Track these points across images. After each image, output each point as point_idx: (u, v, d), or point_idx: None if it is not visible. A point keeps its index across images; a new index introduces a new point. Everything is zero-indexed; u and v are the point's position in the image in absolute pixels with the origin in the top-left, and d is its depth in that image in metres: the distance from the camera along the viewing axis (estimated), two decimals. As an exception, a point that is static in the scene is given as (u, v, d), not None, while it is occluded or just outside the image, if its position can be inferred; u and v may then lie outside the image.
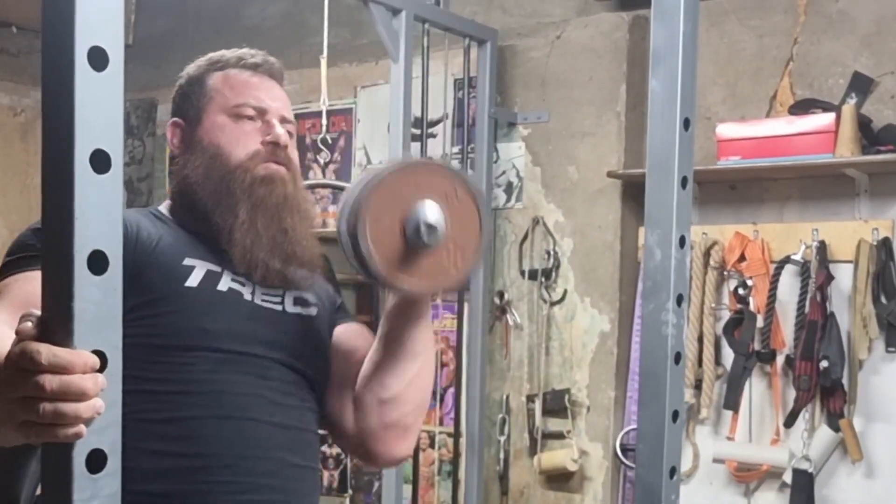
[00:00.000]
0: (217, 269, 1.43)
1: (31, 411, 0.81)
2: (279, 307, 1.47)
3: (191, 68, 1.58)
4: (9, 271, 1.33)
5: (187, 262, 1.41)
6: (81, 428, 0.79)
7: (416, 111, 3.23)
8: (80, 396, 0.79)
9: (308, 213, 1.53)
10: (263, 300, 1.45)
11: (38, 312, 0.81)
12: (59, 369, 0.79)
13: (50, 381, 0.79)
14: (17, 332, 0.83)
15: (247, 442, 1.37)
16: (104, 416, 0.79)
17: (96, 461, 0.78)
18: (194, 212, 1.47)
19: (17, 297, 1.26)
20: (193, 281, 1.39)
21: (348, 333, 1.57)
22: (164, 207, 1.55)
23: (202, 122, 1.49)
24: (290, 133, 1.51)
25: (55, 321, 0.78)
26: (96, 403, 0.80)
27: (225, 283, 1.42)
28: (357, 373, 1.50)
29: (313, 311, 1.51)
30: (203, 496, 1.33)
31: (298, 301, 1.50)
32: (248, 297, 1.44)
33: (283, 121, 1.51)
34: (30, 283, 1.27)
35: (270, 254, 1.44)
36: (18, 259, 1.34)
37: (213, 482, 1.34)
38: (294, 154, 1.52)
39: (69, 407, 0.79)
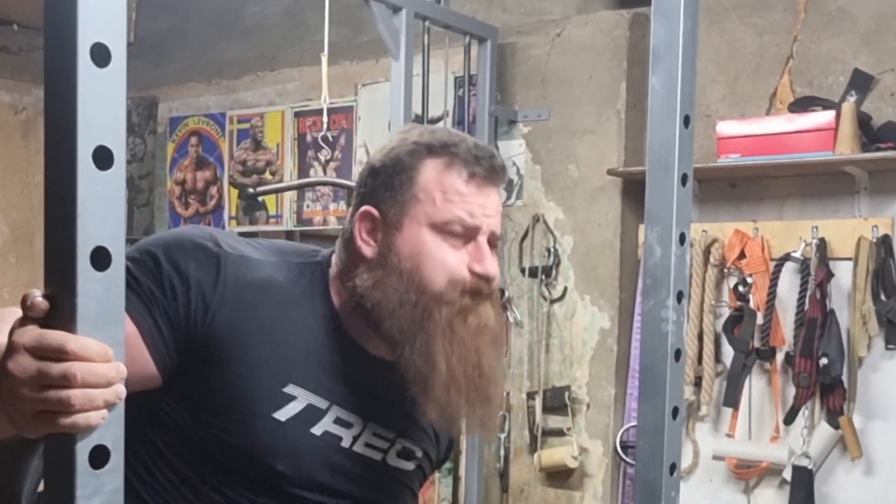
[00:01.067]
0: (322, 405, 1.26)
1: (52, 401, 0.80)
2: (379, 456, 1.33)
3: (401, 149, 1.29)
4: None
5: (289, 389, 1.23)
6: (105, 412, 0.79)
7: (417, 109, 3.23)
8: (107, 384, 0.79)
9: (502, 347, 1.36)
10: (367, 445, 1.31)
11: (39, 291, 0.80)
12: (86, 358, 0.78)
13: (81, 369, 0.78)
14: (25, 309, 0.81)
15: None
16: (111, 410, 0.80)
17: (99, 457, 0.78)
18: (368, 328, 1.28)
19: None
20: (284, 415, 1.23)
21: None
22: (332, 271, 1.32)
23: (402, 228, 1.25)
24: (494, 251, 1.30)
25: (58, 316, 0.78)
26: (119, 389, 0.80)
27: (323, 425, 1.26)
28: None
29: (412, 465, 1.37)
30: None
31: (403, 453, 1.36)
32: (346, 442, 1.29)
33: (492, 238, 1.28)
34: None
35: (467, 399, 1.26)
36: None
37: None
38: (497, 278, 1.30)
39: (98, 393, 0.79)
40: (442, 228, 1.24)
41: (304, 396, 1.24)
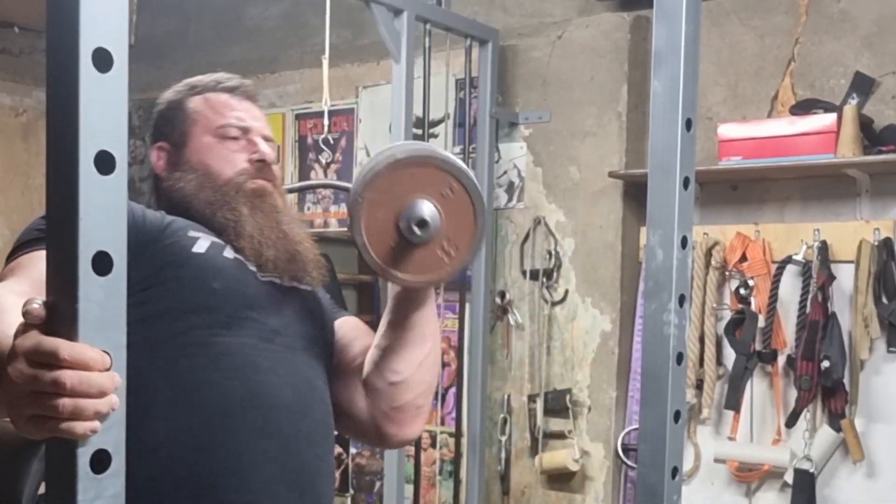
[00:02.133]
0: (221, 241, 1.47)
1: (44, 406, 0.81)
2: (278, 280, 1.50)
3: (168, 94, 1.62)
4: (23, 250, 1.34)
5: (192, 233, 1.44)
6: (97, 424, 0.79)
7: (418, 111, 3.23)
8: (100, 394, 0.79)
9: (301, 221, 1.58)
10: (263, 275, 1.48)
11: (42, 298, 0.81)
12: (80, 365, 0.79)
13: (71, 377, 0.79)
14: (24, 315, 0.82)
15: (253, 397, 1.37)
16: (108, 416, 0.80)
17: (101, 461, 0.78)
18: (191, 217, 1.49)
19: (33, 271, 1.26)
20: (200, 248, 1.42)
21: (347, 325, 1.62)
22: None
23: (188, 143, 1.54)
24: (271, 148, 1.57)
25: (60, 321, 0.78)
26: (112, 400, 0.80)
27: (229, 253, 1.45)
28: (360, 361, 1.53)
29: (308, 286, 1.54)
30: (213, 452, 1.33)
31: (294, 278, 1.53)
32: (252, 267, 1.47)
33: (265, 139, 1.56)
34: (43, 262, 1.28)
35: (275, 253, 1.47)
36: (32, 240, 1.35)
37: (222, 438, 1.34)
38: (277, 171, 1.58)
39: (88, 403, 0.79)
40: (219, 133, 1.53)
41: (206, 236, 1.45)
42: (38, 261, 1.29)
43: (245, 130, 1.55)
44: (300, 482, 1.40)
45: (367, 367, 1.51)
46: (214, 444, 1.33)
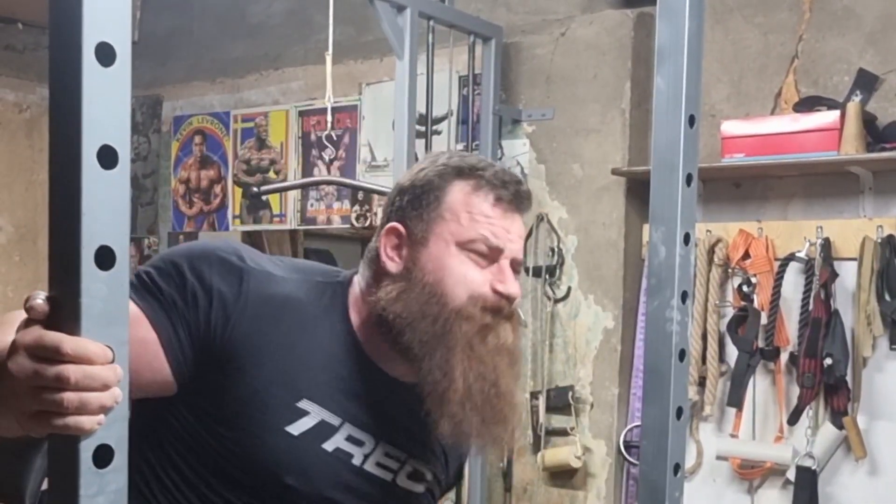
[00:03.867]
0: (335, 421, 1.27)
1: (48, 401, 0.80)
2: (389, 477, 1.33)
3: (431, 170, 1.32)
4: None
5: (303, 404, 1.24)
6: (102, 417, 0.79)
7: (421, 108, 3.23)
8: (103, 387, 0.79)
9: (519, 369, 1.36)
10: (378, 465, 1.31)
11: (45, 293, 0.80)
12: (83, 360, 0.78)
13: (74, 371, 0.78)
14: (27, 310, 0.81)
15: None
16: (110, 411, 0.80)
17: (103, 456, 0.78)
18: (386, 343, 1.29)
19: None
20: (297, 429, 1.24)
21: None
22: (352, 295, 1.34)
23: (427, 243, 1.28)
24: (516, 270, 1.32)
25: (63, 316, 0.78)
26: (116, 393, 0.80)
27: (335, 442, 1.27)
28: None
29: (421, 488, 1.37)
30: None
31: (414, 475, 1.36)
32: (357, 460, 1.29)
33: (514, 263, 1.31)
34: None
35: (482, 417, 1.27)
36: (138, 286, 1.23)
37: None
38: (516, 317, 1.34)
39: (93, 396, 0.79)
40: (466, 247, 1.27)
41: (317, 412, 1.25)
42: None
43: (496, 251, 1.28)
44: None
45: None
46: None
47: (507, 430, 1.31)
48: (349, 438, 1.28)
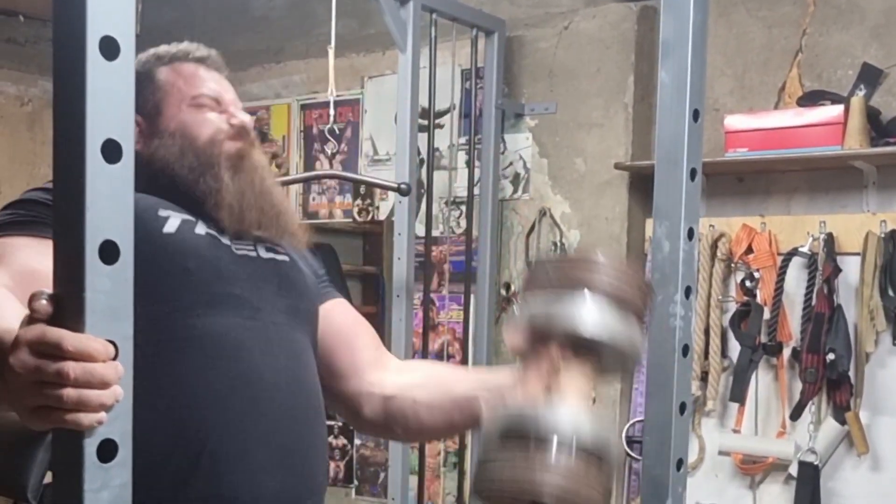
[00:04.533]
0: (192, 218, 1.43)
1: (48, 397, 0.80)
2: (253, 253, 1.48)
3: (136, 68, 1.58)
4: (4, 231, 1.32)
5: (161, 212, 1.40)
6: (103, 415, 0.79)
7: (424, 102, 3.23)
8: (103, 385, 0.79)
9: (281, 190, 1.56)
10: (237, 247, 1.47)
11: (48, 291, 0.80)
12: (84, 357, 0.78)
13: (74, 368, 0.79)
14: (31, 310, 0.82)
15: (239, 377, 1.36)
16: (115, 406, 0.80)
17: (107, 451, 0.78)
18: (173, 186, 1.46)
19: (13, 262, 1.26)
20: (171, 227, 1.39)
21: (344, 317, 1.59)
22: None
23: (162, 113, 1.50)
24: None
25: (67, 311, 0.78)
26: (117, 391, 0.80)
27: (201, 229, 1.43)
28: (364, 359, 1.54)
29: (284, 257, 1.53)
30: (204, 436, 1.32)
31: (270, 250, 1.52)
32: (226, 241, 1.45)
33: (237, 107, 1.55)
34: (24, 251, 1.28)
35: (258, 216, 1.47)
36: (12, 223, 1.33)
37: (212, 421, 1.33)
38: (258, 144, 1.56)
39: (93, 394, 0.79)
40: (194, 103, 1.49)
41: (176, 214, 1.41)
42: (17, 249, 1.28)
43: (218, 101, 1.53)
44: (293, 459, 1.39)
45: (411, 405, 1.48)
46: (205, 428, 1.32)
47: (287, 227, 1.50)
48: (210, 227, 1.44)
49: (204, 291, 1.38)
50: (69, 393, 0.79)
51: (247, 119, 1.53)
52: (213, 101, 1.52)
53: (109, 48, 0.75)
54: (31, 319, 0.82)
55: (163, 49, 1.56)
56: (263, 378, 1.37)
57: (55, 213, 0.78)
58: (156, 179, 1.45)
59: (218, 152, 1.47)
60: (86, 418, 0.78)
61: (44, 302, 0.80)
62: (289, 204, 1.54)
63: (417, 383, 1.51)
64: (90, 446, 0.78)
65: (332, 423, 3.88)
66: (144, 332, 1.32)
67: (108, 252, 0.76)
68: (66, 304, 0.78)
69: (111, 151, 0.76)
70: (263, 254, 1.49)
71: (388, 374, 1.55)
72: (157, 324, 1.33)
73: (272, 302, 1.44)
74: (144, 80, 1.50)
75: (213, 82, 1.54)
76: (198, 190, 1.45)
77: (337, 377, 1.54)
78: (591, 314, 1.05)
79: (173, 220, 1.40)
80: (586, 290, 1.06)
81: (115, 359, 0.79)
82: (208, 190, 1.45)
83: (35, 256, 1.24)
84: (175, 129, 1.48)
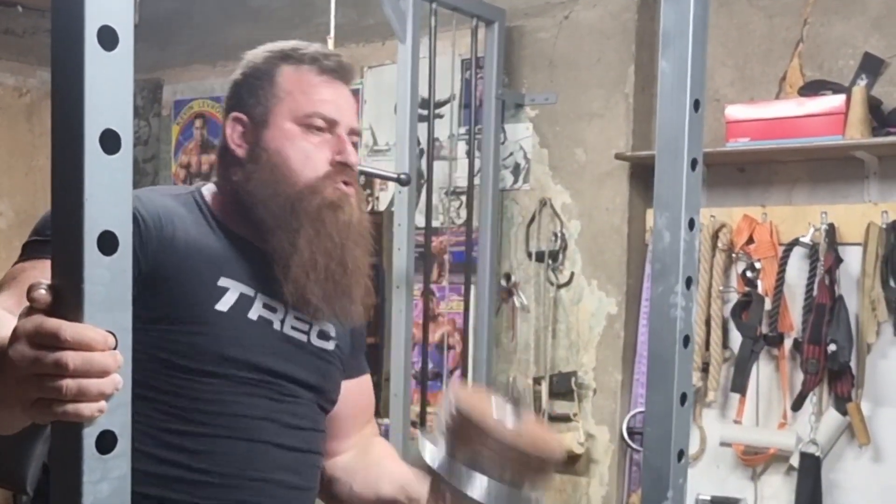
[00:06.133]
0: (250, 292, 1.39)
1: (48, 388, 0.80)
2: (304, 338, 1.46)
3: (257, 56, 1.48)
4: (23, 256, 1.32)
5: (222, 282, 1.36)
6: (103, 404, 0.78)
7: (423, 92, 3.22)
8: (102, 374, 0.78)
9: (369, 243, 1.48)
10: (293, 328, 1.44)
11: (47, 282, 0.79)
12: (82, 346, 0.78)
13: (73, 358, 0.78)
14: (30, 300, 0.81)
15: (254, 464, 1.37)
16: (114, 397, 0.79)
17: (106, 442, 0.78)
18: (247, 221, 1.42)
19: (20, 285, 1.23)
20: (224, 305, 1.35)
21: (357, 391, 1.61)
22: (207, 194, 1.48)
23: (269, 125, 1.41)
24: (355, 144, 1.46)
25: (65, 302, 0.77)
26: (116, 379, 0.79)
27: (256, 311, 1.39)
28: (342, 434, 1.58)
29: (331, 345, 1.51)
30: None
31: (322, 335, 1.49)
32: (277, 325, 1.42)
33: (352, 133, 1.45)
34: (42, 272, 1.25)
35: (323, 290, 1.41)
36: (35, 243, 1.32)
37: (213, 498, 1.35)
38: (358, 187, 1.48)
39: (93, 383, 0.78)
40: (304, 122, 1.40)
41: (235, 287, 1.37)
42: (26, 272, 1.27)
43: (333, 123, 1.42)
44: None
45: (347, 491, 1.54)
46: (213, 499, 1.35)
47: (350, 302, 1.43)
48: (266, 306, 1.40)
49: (238, 376, 1.36)
50: (69, 383, 0.78)
51: (353, 157, 1.43)
52: (326, 123, 1.42)
53: (108, 38, 0.75)
54: (30, 310, 0.82)
55: (290, 46, 1.46)
56: (277, 462, 1.39)
57: (54, 204, 0.77)
58: (235, 201, 1.42)
59: (307, 205, 1.39)
60: (87, 408, 0.78)
61: (42, 291, 0.80)
62: (364, 267, 1.46)
63: (359, 469, 1.56)
64: (89, 437, 0.77)
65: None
66: (174, 391, 1.32)
67: (107, 243, 0.76)
68: (65, 295, 0.77)
69: (110, 142, 0.75)
70: (315, 340, 1.47)
71: (349, 452, 1.59)
72: (186, 389, 1.34)
73: (304, 387, 1.44)
74: (263, 78, 1.44)
75: (333, 102, 1.43)
76: (270, 246, 1.40)
77: None
78: (476, 486, 1.14)
79: (230, 296, 1.36)
80: (475, 474, 1.14)
81: (114, 349, 0.79)
82: (280, 252, 1.39)
83: (41, 272, 1.24)
84: (274, 153, 1.40)
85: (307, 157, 1.40)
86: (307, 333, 1.45)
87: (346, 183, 1.42)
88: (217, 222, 1.43)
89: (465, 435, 1.15)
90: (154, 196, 1.41)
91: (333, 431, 1.56)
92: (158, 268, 1.32)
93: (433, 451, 1.18)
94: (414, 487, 1.44)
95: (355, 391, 1.60)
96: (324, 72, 1.43)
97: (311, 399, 1.46)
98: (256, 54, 1.47)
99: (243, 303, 1.37)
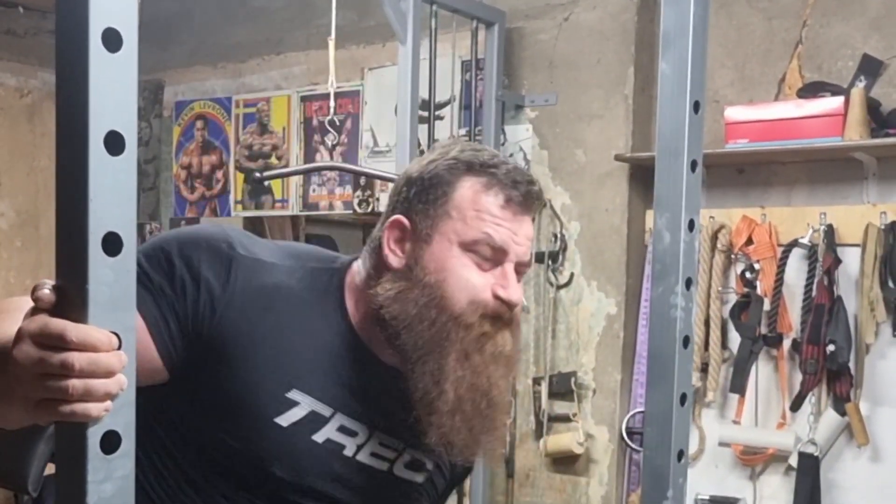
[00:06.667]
0: (326, 412, 1.24)
1: (53, 389, 0.80)
2: (385, 466, 1.30)
3: (441, 163, 1.26)
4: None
5: (292, 395, 1.22)
6: (109, 403, 0.78)
7: (424, 93, 3.23)
8: (108, 374, 0.79)
9: (515, 371, 1.31)
10: (373, 455, 1.29)
11: (51, 282, 0.80)
12: (87, 347, 0.78)
13: (78, 358, 0.78)
14: (34, 300, 0.81)
15: None
16: (118, 397, 0.80)
17: (110, 442, 0.78)
18: (384, 334, 1.25)
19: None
20: (286, 420, 1.22)
21: None
22: (350, 277, 1.30)
23: (431, 242, 1.23)
24: (521, 274, 1.27)
25: (70, 302, 0.78)
26: (121, 380, 0.79)
27: (325, 433, 1.25)
28: None
29: (421, 477, 1.34)
30: None
31: (411, 465, 1.33)
32: (350, 451, 1.27)
33: (520, 266, 1.26)
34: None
35: (470, 428, 1.24)
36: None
37: None
38: (516, 323, 1.29)
39: (98, 383, 0.78)
40: (470, 248, 1.22)
41: (308, 403, 1.23)
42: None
43: (501, 253, 1.23)
44: None
45: None
46: None
47: (496, 439, 1.27)
48: (341, 429, 1.26)
49: (279, 497, 1.25)
50: (75, 384, 0.78)
51: (517, 297, 1.24)
52: (493, 252, 1.23)
53: (112, 40, 0.75)
54: (34, 310, 0.82)
55: (483, 156, 1.26)
56: None
57: (58, 204, 0.78)
58: (376, 314, 1.24)
59: (462, 333, 1.21)
60: (94, 408, 0.78)
61: (47, 291, 0.80)
62: (508, 393, 1.29)
63: None
64: (93, 438, 0.77)
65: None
66: (205, 483, 1.22)
67: (111, 244, 0.76)
68: (69, 295, 0.77)
69: (114, 143, 0.76)
70: (399, 470, 1.31)
71: None
72: (218, 488, 1.24)
73: None
74: (440, 186, 1.24)
75: (509, 229, 1.23)
76: (413, 374, 1.22)
77: None
78: None
79: (297, 412, 1.22)
80: None
81: (118, 349, 0.79)
82: (425, 386, 1.21)
83: None
84: (433, 282, 1.22)
85: (466, 285, 1.22)
86: (391, 462, 1.30)
87: (502, 321, 1.25)
88: (344, 315, 1.28)
89: None
90: (268, 262, 1.27)
91: None
92: (224, 340, 1.20)
93: None
94: None
95: None
96: (509, 202, 1.24)
97: None
98: (442, 157, 1.27)
99: (315, 423, 1.24)
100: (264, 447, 1.22)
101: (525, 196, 1.24)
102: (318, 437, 1.24)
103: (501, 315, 1.24)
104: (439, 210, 1.23)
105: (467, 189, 1.23)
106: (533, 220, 1.28)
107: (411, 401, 1.23)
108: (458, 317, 1.21)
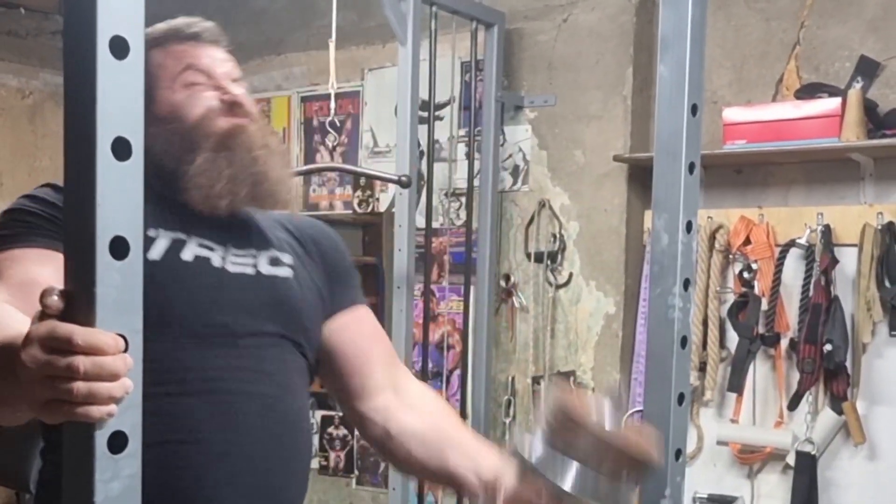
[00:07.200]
0: (182, 236, 1.37)
1: (59, 391, 0.81)
2: (251, 270, 1.42)
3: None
4: (2, 245, 1.31)
5: (150, 232, 1.33)
6: (113, 407, 0.80)
7: (424, 94, 3.24)
8: (113, 378, 0.80)
9: (285, 155, 1.47)
10: (236, 263, 1.41)
11: (59, 287, 0.81)
12: (93, 350, 0.79)
13: (84, 362, 0.79)
14: (43, 307, 0.83)
15: (221, 417, 1.33)
16: (125, 399, 0.81)
17: (118, 442, 0.80)
18: (159, 177, 1.36)
19: (13, 276, 1.26)
20: (156, 253, 1.33)
21: (357, 333, 1.55)
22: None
23: (154, 100, 1.38)
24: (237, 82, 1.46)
25: (78, 305, 0.79)
26: (126, 383, 0.81)
27: (190, 252, 1.37)
28: (373, 382, 1.52)
29: (287, 272, 1.46)
30: (179, 473, 1.30)
31: (272, 262, 1.45)
32: (216, 262, 1.39)
33: (233, 80, 1.46)
34: (23, 263, 1.27)
35: (234, 184, 1.39)
36: (9, 235, 1.32)
37: (188, 460, 1.31)
38: (254, 108, 1.46)
39: (103, 387, 0.80)
40: (182, 81, 1.41)
41: (165, 234, 1.36)
42: (13, 262, 1.27)
43: (210, 75, 1.43)
44: (271, 490, 1.37)
45: (405, 454, 1.48)
46: (182, 464, 1.30)
47: (281, 194, 1.42)
48: (201, 246, 1.38)
49: (186, 325, 1.33)
50: (79, 386, 0.80)
51: (240, 92, 1.44)
52: (204, 77, 1.43)
53: (119, 48, 0.77)
54: (42, 315, 0.83)
55: (158, 29, 1.46)
56: (244, 411, 1.34)
57: (66, 209, 0.79)
58: (152, 177, 1.37)
59: (206, 133, 1.39)
60: (97, 411, 0.80)
61: (55, 298, 0.81)
62: (287, 177, 1.46)
63: (418, 434, 1.48)
64: (101, 438, 0.79)
65: (332, 413, 3.89)
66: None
67: (119, 247, 0.78)
68: (77, 299, 0.79)
69: (121, 149, 0.77)
70: (264, 269, 1.43)
71: (395, 404, 1.52)
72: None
73: (263, 326, 1.39)
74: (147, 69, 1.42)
75: (205, 57, 1.45)
76: (177, 179, 1.38)
77: (346, 396, 1.53)
78: (576, 480, 1.16)
79: (160, 243, 1.35)
80: (575, 463, 1.16)
81: (125, 352, 0.81)
82: (180, 176, 1.37)
83: (31, 266, 1.25)
84: (166, 114, 1.39)
85: (194, 101, 1.40)
86: (254, 266, 1.42)
87: (241, 116, 1.42)
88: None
89: (565, 433, 1.16)
90: None
91: (348, 370, 1.51)
92: None
93: (532, 447, 1.18)
94: (486, 468, 1.38)
95: (352, 324, 1.54)
96: (190, 38, 1.45)
97: (275, 339, 1.40)
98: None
99: (176, 246, 1.36)
100: (155, 280, 1.32)
101: (201, 28, 1.47)
102: (187, 256, 1.36)
103: (236, 112, 1.41)
104: (147, 79, 1.39)
105: (158, 53, 1.42)
106: (219, 47, 1.49)
107: (238, 214, 1.40)
108: (199, 121, 1.39)
